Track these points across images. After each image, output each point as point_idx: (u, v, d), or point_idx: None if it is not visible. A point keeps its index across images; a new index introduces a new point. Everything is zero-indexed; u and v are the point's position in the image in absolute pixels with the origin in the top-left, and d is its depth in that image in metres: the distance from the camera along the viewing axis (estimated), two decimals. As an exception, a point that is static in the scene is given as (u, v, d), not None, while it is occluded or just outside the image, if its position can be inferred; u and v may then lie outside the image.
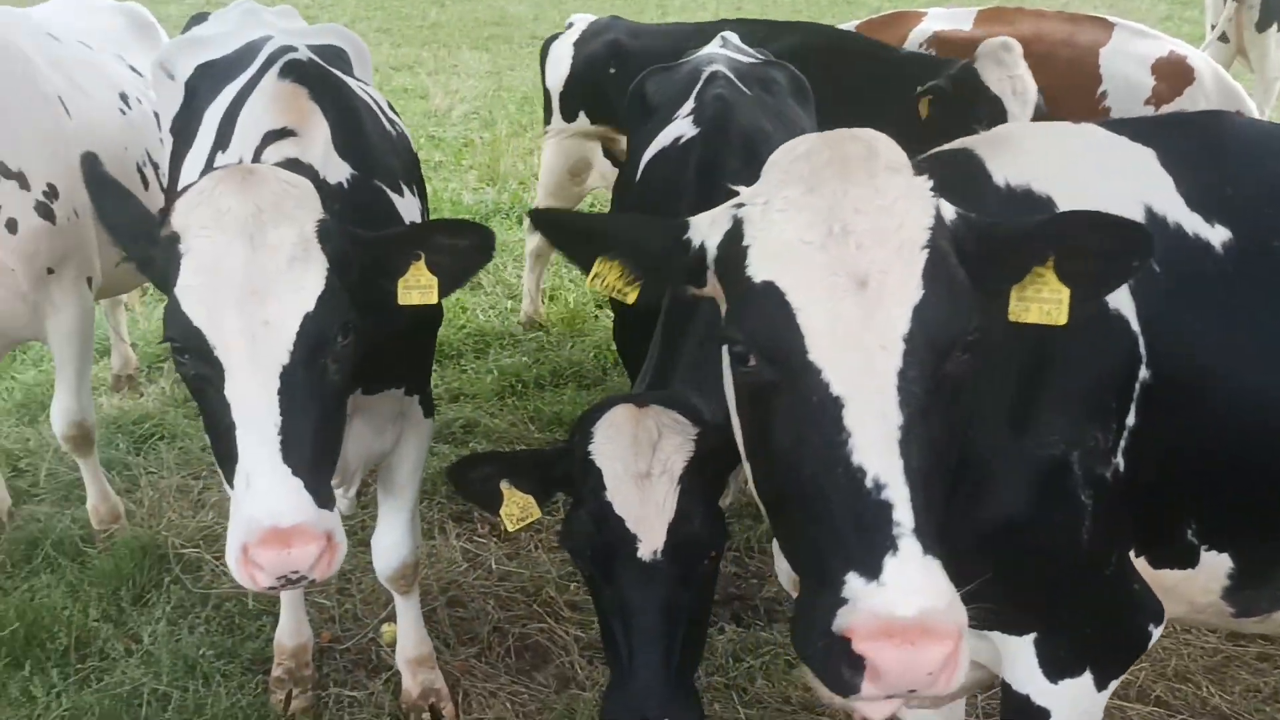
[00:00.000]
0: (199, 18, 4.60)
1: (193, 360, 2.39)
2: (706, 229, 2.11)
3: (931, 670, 1.66)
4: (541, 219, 2.38)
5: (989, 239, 1.97)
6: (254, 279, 2.36)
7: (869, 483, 1.75)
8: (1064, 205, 2.25)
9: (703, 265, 2.12)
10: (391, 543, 3.65)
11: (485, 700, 3.88)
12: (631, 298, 2.23)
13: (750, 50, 4.66)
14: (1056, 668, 2.38)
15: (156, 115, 4.81)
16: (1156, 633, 2.43)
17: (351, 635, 4.23)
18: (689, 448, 2.50)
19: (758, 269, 1.92)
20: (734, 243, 2.00)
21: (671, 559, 2.43)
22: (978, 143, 2.48)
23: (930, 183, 1.95)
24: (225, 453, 2.42)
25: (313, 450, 2.38)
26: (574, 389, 6.13)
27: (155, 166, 4.79)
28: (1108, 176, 2.38)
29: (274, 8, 4.60)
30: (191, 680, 3.87)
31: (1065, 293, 2.00)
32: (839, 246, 1.84)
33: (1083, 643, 2.39)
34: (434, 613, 4.24)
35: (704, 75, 3.73)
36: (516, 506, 2.68)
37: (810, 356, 1.82)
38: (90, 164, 2.62)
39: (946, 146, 2.50)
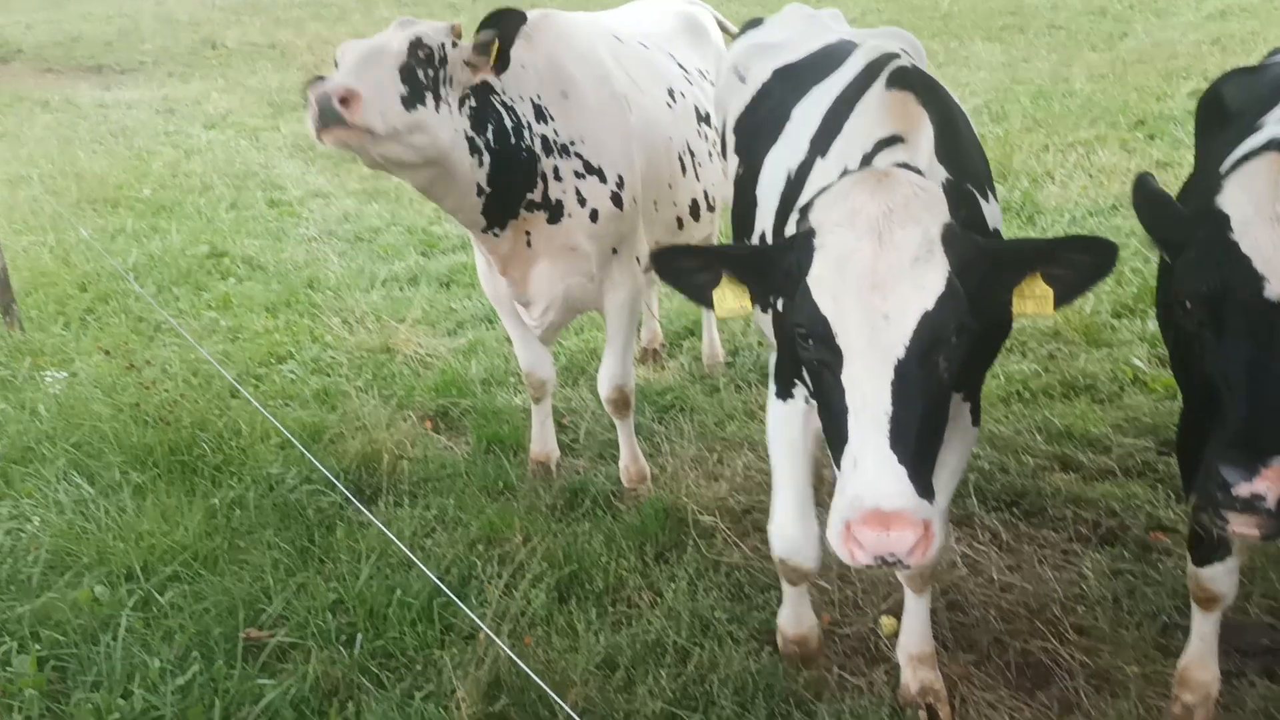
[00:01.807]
0: (754, 22, 4.89)
1: (815, 345, 2.56)
2: None
3: None
4: None
5: None
6: (879, 274, 2.48)
7: None
8: None
9: None
10: None
11: (983, 710, 3.81)
12: None
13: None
14: None
15: (695, 108, 5.22)
16: None
17: (850, 622, 4.32)
18: None
19: None
20: None
21: None
22: None
23: None
24: (835, 434, 2.57)
25: (918, 441, 2.46)
26: (1087, 402, 5.79)
27: (692, 155, 5.18)
28: None
29: (822, 10, 4.78)
30: (707, 639, 4.11)
31: None
32: None
33: None
34: (934, 614, 4.19)
35: (1306, 78, 3.37)
36: None
37: None
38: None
39: None
